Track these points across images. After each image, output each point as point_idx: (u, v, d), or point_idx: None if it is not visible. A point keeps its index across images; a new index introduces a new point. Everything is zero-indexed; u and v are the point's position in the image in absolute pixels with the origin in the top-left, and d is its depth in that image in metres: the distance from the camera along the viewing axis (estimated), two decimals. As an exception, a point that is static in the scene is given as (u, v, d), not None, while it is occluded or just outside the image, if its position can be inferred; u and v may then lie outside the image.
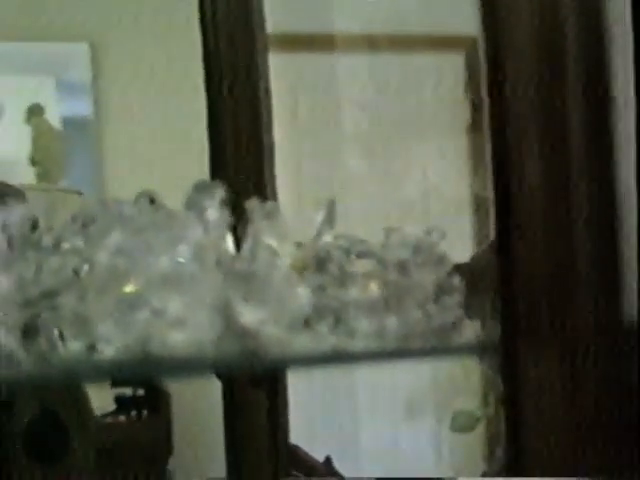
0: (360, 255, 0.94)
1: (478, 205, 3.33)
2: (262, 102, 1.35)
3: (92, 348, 0.79)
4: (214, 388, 1.34)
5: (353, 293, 0.91)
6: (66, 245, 0.84)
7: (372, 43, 3.24)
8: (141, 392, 2.92)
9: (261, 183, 1.32)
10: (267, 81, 1.37)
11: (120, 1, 3.24)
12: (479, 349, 0.97)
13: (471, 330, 0.95)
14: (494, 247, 0.75)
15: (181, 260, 0.82)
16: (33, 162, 3.26)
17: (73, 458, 1.44)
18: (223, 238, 0.88)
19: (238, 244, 0.89)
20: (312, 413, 3.15)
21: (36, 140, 3.26)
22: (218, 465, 1.40)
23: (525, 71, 0.72)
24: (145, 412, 2.94)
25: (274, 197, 1.32)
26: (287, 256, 0.89)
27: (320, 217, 0.97)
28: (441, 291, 0.95)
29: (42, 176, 3.25)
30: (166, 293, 0.79)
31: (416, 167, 3.34)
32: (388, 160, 3.32)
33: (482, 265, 1.10)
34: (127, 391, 2.90)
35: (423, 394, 3.37)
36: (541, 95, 0.72)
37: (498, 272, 0.74)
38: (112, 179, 3.26)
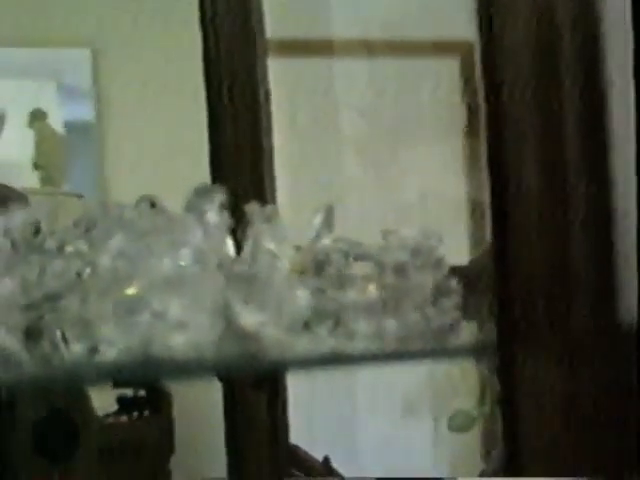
0: (358, 258, 0.95)
1: (475, 208, 3.33)
2: (261, 106, 1.35)
3: (94, 350, 0.80)
4: (215, 389, 1.34)
5: (351, 295, 0.92)
6: (69, 248, 0.85)
7: (370, 48, 3.24)
8: (142, 393, 2.92)
9: (260, 186, 1.32)
10: (266, 86, 1.38)
11: (121, 7, 3.24)
12: (476, 351, 0.97)
13: (468, 332, 0.95)
14: (491, 250, 0.76)
15: (182, 263, 0.82)
16: (36, 166, 3.27)
17: (78, 457, 1.45)
18: (223, 241, 0.89)
19: (238, 247, 0.90)
20: (311, 413, 3.15)
21: (39, 144, 3.27)
22: (219, 465, 1.41)
23: (521, 75, 0.72)
24: (147, 412, 2.94)
25: (273, 200, 1.33)
26: (286, 259, 0.90)
27: (319, 220, 0.98)
28: (439, 293, 0.95)
29: (45, 180, 3.26)
30: (167, 296, 0.80)
31: (413, 171, 3.34)
32: (386, 164, 3.32)
33: (480, 267, 1.10)
34: (128, 392, 2.90)
35: (421, 394, 3.37)
36: (537, 99, 0.71)
37: (494, 274, 0.74)
38: (113, 182, 3.26)
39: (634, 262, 0.72)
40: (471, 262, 1.32)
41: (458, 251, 1.07)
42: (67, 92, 3.32)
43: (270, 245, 0.89)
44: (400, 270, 0.95)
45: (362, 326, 0.90)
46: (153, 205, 0.88)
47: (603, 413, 0.71)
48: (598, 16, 0.72)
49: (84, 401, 1.49)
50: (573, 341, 0.71)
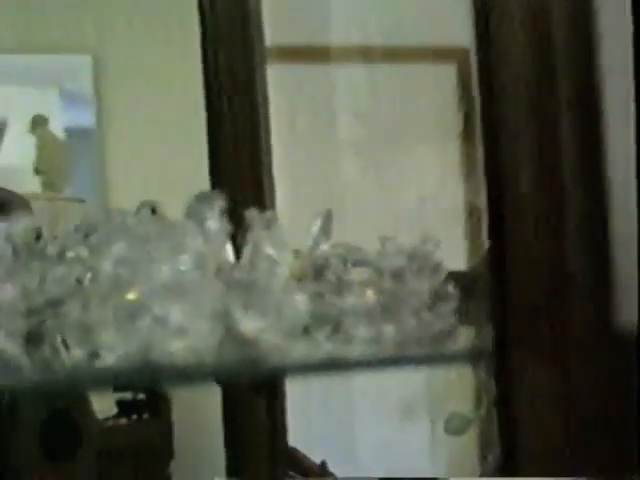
0: (356, 263, 0.95)
1: (471, 213, 3.34)
2: (261, 112, 1.36)
3: (95, 355, 0.80)
4: (214, 392, 1.35)
5: (350, 301, 0.92)
6: (70, 254, 0.85)
7: (367, 55, 3.25)
8: (142, 396, 2.93)
9: (260, 192, 1.32)
10: (265, 92, 1.38)
11: (122, 14, 3.25)
12: (474, 357, 0.98)
13: (465, 337, 0.95)
14: (488, 255, 0.76)
15: (182, 268, 0.83)
16: (37, 171, 3.28)
17: (78, 459, 1.45)
18: (223, 247, 0.89)
19: (237, 253, 0.90)
20: (309, 416, 3.15)
21: (40, 150, 3.28)
22: (218, 467, 1.41)
23: (517, 81, 0.72)
24: (146, 416, 2.94)
25: (272, 206, 1.33)
26: (286, 265, 0.90)
27: (317, 226, 0.98)
28: (436, 299, 0.95)
29: (46, 185, 3.26)
30: (167, 302, 0.80)
31: (410, 176, 3.35)
32: (383, 169, 3.33)
33: (478, 272, 1.10)
34: (128, 395, 2.91)
35: (418, 397, 3.37)
36: (533, 105, 0.72)
37: (491, 278, 0.74)
38: (114, 188, 3.27)
39: (634, 265, 0.72)
40: (471, 268, 1.32)
41: (456, 256, 1.07)
42: (68, 98, 3.33)
43: (269, 251, 0.89)
44: (398, 275, 0.95)
45: (360, 331, 0.90)
46: (154, 211, 0.88)
47: (600, 416, 0.71)
48: (594, 24, 0.72)
49: (84, 403, 1.50)
50: (570, 344, 0.71)
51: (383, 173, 3.32)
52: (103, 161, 3.30)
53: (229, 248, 0.90)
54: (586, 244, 0.72)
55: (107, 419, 2.82)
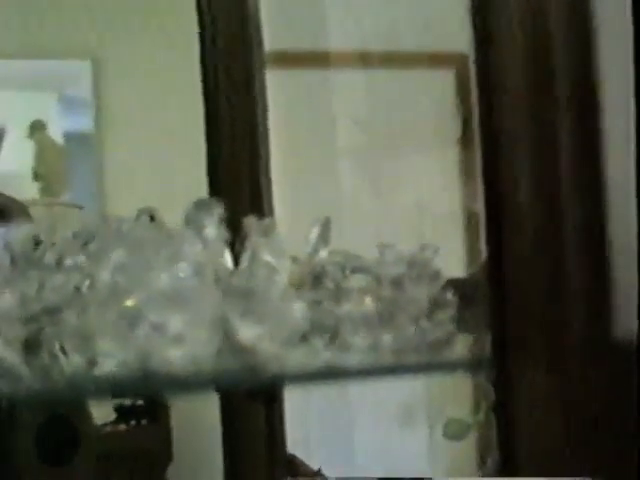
0: (355, 270, 0.95)
1: (470, 219, 3.34)
2: (259, 119, 1.36)
3: (93, 363, 0.80)
4: (212, 398, 1.35)
5: (348, 308, 0.92)
6: (68, 261, 0.85)
7: (366, 60, 3.25)
8: (141, 402, 2.92)
9: (258, 199, 1.32)
10: (264, 98, 1.38)
11: (121, 20, 3.25)
12: (472, 364, 0.97)
13: (464, 345, 0.95)
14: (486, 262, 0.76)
15: (181, 275, 0.83)
16: (36, 177, 3.28)
17: (77, 463, 1.45)
18: (221, 255, 0.89)
19: (236, 260, 0.90)
20: (308, 422, 3.15)
21: (39, 155, 3.28)
22: (216, 473, 1.41)
23: (515, 87, 0.72)
24: (144, 421, 2.94)
25: (271, 213, 1.33)
26: (284, 272, 0.90)
27: (315, 233, 0.98)
28: (435, 306, 0.95)
29: (45, 190, 3.26)
30: (166, 309, 0.80)
31: (409, 182, 3.35)
32: (381, 175, 3.33)
33: (477, 280, 1.10)
34: (126, 401, 2.90)
35: (416, 402, 3.38)
36: (532, 111, 0.72)
37: (489, 286, 0.74)
38: (113, 193, 3.27)
39: (634, 271, 0.72)
40: (470, 276, 1.32)
41: (454, 263, 1.07)
42: (67, 103, 3.33)
43: (268, 258, 0.89)
44: (397, 283, 0.95)
45: (359, 339, 0.90)
46: (153, 218, 0.88)
47: (598, 420, 0.71)
48: (593, 28, 0.72)
49: (83, 408, 1.50)
50: (568, 350, 0.71)
51: (381, 179, 3.32)
52: (102, 166, 3.30)
53: (227, 255, 0.89)
54: (584, 251, 0.72)
55: (105, 425, 2.82)
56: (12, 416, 1.37)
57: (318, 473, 1.66)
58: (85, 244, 0.86)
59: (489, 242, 0.74)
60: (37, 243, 0.87)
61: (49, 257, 0.86)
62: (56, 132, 3.31)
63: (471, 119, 3.29)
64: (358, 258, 0.97)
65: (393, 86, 3.35)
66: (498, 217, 0.73)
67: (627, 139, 0.73)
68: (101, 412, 2.62)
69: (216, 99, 1.38)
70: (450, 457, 3.38)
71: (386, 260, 0.97)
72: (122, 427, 2.89)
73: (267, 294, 0.87)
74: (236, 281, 0.87)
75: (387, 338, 0.91)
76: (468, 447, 3.30)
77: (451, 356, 0.95)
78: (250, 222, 0.92)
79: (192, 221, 0.88)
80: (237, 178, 1.35)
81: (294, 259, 0.95)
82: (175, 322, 0.80)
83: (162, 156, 3.21)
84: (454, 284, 0.98)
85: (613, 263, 0.72)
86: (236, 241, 0.91)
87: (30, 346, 0.82)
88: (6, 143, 3.09)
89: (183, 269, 0.83)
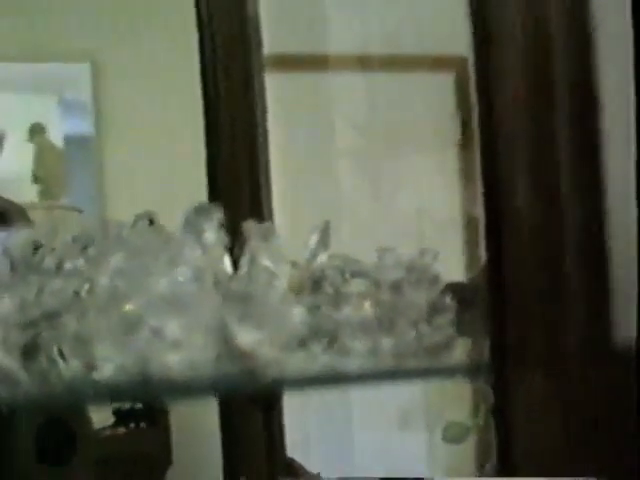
0: (354, 275, 0.95)
1: (469, 223, 3.34)
2: (259, 121, 1.36)
3: (92, 368, 0.80)
4: (212, 401, 1.35)
5: (347, 313, 0.92)
6: (67, 265, 0.85)
7: (366, 63, 3.26)
8: (140, 405, 2.92)
9: (258, 203, 1.32)
10: (264, 101, 1.38)
11: (121, 22, 3.26)
12: (471, 369, 0.97)
13: (463, 350, 0.95)
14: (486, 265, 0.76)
15: (180, 279, 0.83)
16: (35, 180, 3.28)
17: (75, 466, 1.45)
18: (221, 259, 0.89)
19: (235, 265, 0.90)
20: (307, 426, 3.15)
21: (38, 158, 3.28)
22: (216, 476, 1.41)
23: (515, 90, 0.72)
24: (143, 424, 2.94)
25: (270, 217, 1.33)
26: (283, 277, 0.90)
27: (315, 237, 0.98)
28: (434, 311, 0.95)
29: (44, 194, 3.27)
30: (165, 314, 0.80)
31: (408, 185, 3.35)
32: (381, 178, 3.33)
33: (477, 284, 1.10)
34: (125, 404, 2.90)
35: (415, 405, 3.38)
36: (531, 113, 0.72)
37: (489, 289, 0.74)
38: (112, 196, 3.27)
39: (634, 273, 0.72)
40: (470, 280, 1.32)
41: (453, 266, 1.07)
42: (67, 106, 3.34)
43: (267, 263, 0.89)
44: (396, 287, 0.95)
45: (358, 343, 0.90)
46: (152, 222, 0.88)
47: (597, 424, 0.71)
48: (593, 30, 0.72)
49: (81, 412, 1.50)
50: (567, 354, 0.71)
51: (381, 183, 3.32)
52: (101, 169, 3.31)
53: (227, 260, 0.89)
54: (584, 255, 0.72)
55: (104, 428, 2.82)
56: (10, 418, 1.37)
57: (317, 477, 1.66)
58: (84, 248, 0.86)
59: (488, 246, 0.74)
60: (36, 247, 0.87)
61: (48, 261, 0.86)
62: (56, 135, 3.32)
63: (471, 122, 3.29)
64: (357, 262, 0.96)
65: (393, 89, 3.36)
66: (497, 220, 0.73)
67: (627, 139, 0.73)
68: (100, 416, 2.62)
69: (216, 102, 1.38)
70: (449, 460, 3.38)
71: (385, 264, 0.97)
72: (121, 430, 2.89)
73: (266, 299, 0.87)
74: (235, 286, 0.87)
75: (386, 343, 0.91)
76: (467, 450, 3.30)
77: (450, 361, 0.95)
78: (249, 226, 0.91)
79: (191, 225, 0.88)
80: (237, 181, 1.35)
81: (293, 264, 0.95)
82: (174, 327, 0.80)
83: (161, 159, 3.21)
84: (453, 288, 0.98)
85: (613, 266, 0.72)
86: (235, 246, 0.91)
87: (29, 351, 0.82)
88: (5, 146, 3.10)
89: (182, 274, 0.83)
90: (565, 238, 0.72)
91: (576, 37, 0.72)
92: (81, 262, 0.85)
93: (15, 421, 1.38)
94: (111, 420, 2.88)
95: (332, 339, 0.90)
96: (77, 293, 0.83)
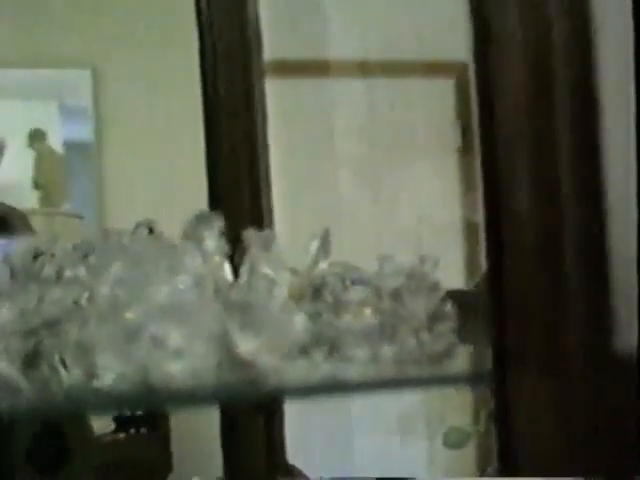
0: (355, 282, 0.95)
1: (469, 229, 3.34)
2: (259, 128, 1.36)
3: (92, 376, 0.80)
4: (212, 408, 1.35)
5: (348, 321, 0.92)
6: (68, 274, 0.85)
7: (366, 69, 3.26)
8: (139, 411, 2.92)
9: (258, 210, 1.32)
10: (264, 107, 1.38)
11: (121, 29, 3.26)
12: (473, 378, 0.97)
13: (464, 358, 0.95)
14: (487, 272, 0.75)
15: (181, 287, 0.82)
16: (36, 186, 3.28)
17: (74, 473, 1.45)
18: (221, 267, 0.89)
19: (235, 272, 0.90)
20: (308, 432, 3.15)
21: (39, 164, 3.28)
22: (216, 484, 1.41)
23: (515, 95, 0.71)
24: (144, 430, 2.94)
25: (270, 225, 1.33)
26: (284, 284, 0.90)
27: (315, 245, 0.98)
28: (434, 318, 0.95)
29: (44, 200, 3.27)
30: (165, 323, 0.80)
31: (409, 192, 3.35)
32: (381, 185, 3.33)
33: (479, 292, 1.10)
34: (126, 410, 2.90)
35: (416, 411, 3.38)
36: (532, 119, 0.72)
37: (489, 295, 0.74)
38: (112, 202, 3.27)
39: (634, 277, 0.72)
40: (472, 287, 1.32)
41: (454, 274, 1.07)
42: (67, 112, 3.34)
43: (267, 270, 0.89)
44: (396, 295, 0.95)
45: (358, 351, 0.90)
46: (151, 230, 0.88)
47: (598, 430, 0.71)
48: (594, 35, 0.72)
49: (80, 419, 1.50)
50: (568, 359, 0.71)
51: (381, 189, 3.32)
52: (102, 176, 3.31)
53: (227, 268, 0.89)
54: (585, 261, 0.72)
55: (105, 434, 2.82)
56: (8, 425, 1.37)
57: None
58: (85, 257, 0.86)
59: (489, 252, 0.74)
60: (36, 255, 0.87)
61: (49, 270, 0.86)
62: (56, 141, 3.32)
63: (471, 128, 3.29)
64: (358, 270, 0.96)
65: (393, 95, 3.36)
66: (498, 226, 0.73)
67: (627, 140, 0.73)
68: (100, 422, 2.62)
69: (216, 109, 1.38)
70: (450, 466, 3.38)
71: (386, 272, 0.97)
72: (121, 436, 2.89)
73: (267, 306, 0.87)
74: (236, 294, 0.87)
75: (387, 350, 0.91)
76: (468, 456, 3.30)
77: (452, 369, 0.95)
78: (250, 235, 0.91)
79: (192, 234, 0.88)
80: (237, 188, 1.35)
81: (294, 271, 0.95)
82: (175, 335, 0.80)
83: (161, 165, 3.21)
84: (454, 295, 0.98)
85: (613, 270, 0.72)
86: (236, 253, 0.91)
87: (30, 359, 0.82)
88: (6, 152, 3.10)
89: (183, 282, 0.83)
90: (566, 245, 0.71)
91: (576, 39, 0.72)
92: (81, 270, 0.85)
93: (12, 428, 1.38)
94: (111, 426, 2.88)
95: (333, 347, 0.90)
96: (77, 302, 0.83)
